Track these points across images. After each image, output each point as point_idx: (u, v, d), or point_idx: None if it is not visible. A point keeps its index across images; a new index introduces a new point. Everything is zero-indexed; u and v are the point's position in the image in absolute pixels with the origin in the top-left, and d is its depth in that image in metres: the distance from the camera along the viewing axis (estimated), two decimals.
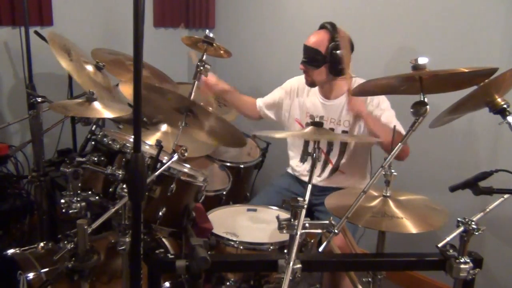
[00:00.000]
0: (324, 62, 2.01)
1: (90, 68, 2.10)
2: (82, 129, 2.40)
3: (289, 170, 2.37)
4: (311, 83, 2.11)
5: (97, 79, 2.07)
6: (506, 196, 1.36)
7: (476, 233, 1.28)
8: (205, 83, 2.28)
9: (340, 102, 2.12)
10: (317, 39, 2.02)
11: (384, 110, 2.04)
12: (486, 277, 2.23)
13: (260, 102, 2.37)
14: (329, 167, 2.17)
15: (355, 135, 2.11)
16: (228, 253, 1.64)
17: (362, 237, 2.04)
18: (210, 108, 2.16)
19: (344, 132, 2.11)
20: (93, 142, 1.79)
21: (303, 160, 2.12)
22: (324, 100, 2.16)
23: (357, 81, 2.12)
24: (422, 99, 1.29)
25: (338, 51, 1.98)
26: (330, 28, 2.01)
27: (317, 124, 1.48)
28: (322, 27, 2.05)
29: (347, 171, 2.17)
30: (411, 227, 1.35)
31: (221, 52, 2.19)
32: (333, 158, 2.17)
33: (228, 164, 2.39)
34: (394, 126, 1.56)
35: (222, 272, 1.59)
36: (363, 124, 2.06)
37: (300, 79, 2.21)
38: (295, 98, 2.24)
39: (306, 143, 2.20)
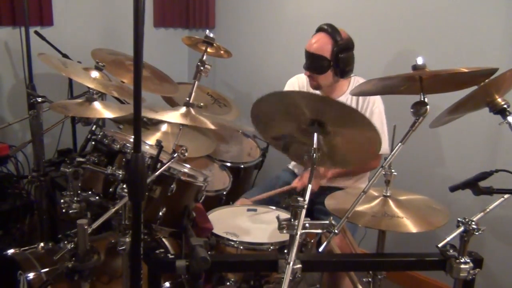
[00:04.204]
0: (330, 67, 1.98)
1: (95, 73, 2.06)
2: (82, 129, 2.40)
3: (290, 166, 2.38)
4: (316, 87, 2.09)
5: (107, 81, 2.05)
6: (506, 196, 1.36)
7: (476, 233, 1.28)
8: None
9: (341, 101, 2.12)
10: (320, 44, 1.97)
11: (373, 114, 2.05)
12: (486, 277, 2.23)
13: None
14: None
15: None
16: (228, 253, 1.64)
17: (362, 237, 2.04)
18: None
19: None
20: (93, 142, 1.78)
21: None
22: None
23: (357, 80, 2.12)
24: (422, 99, 1.29)
25: (343, 54, 1.96)
26: (330, 30, 1.97)
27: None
28: (320, 29, 2.01)
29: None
30: (411, 227, 1.35)
31: (221, 52, 2.18)
32: None
33: (228, 164, 2.39)
34: (395, 126, 1.56)
35: (222, 272, 1.59)
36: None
37: (299, 77, 2.21)
38: None
39: None
